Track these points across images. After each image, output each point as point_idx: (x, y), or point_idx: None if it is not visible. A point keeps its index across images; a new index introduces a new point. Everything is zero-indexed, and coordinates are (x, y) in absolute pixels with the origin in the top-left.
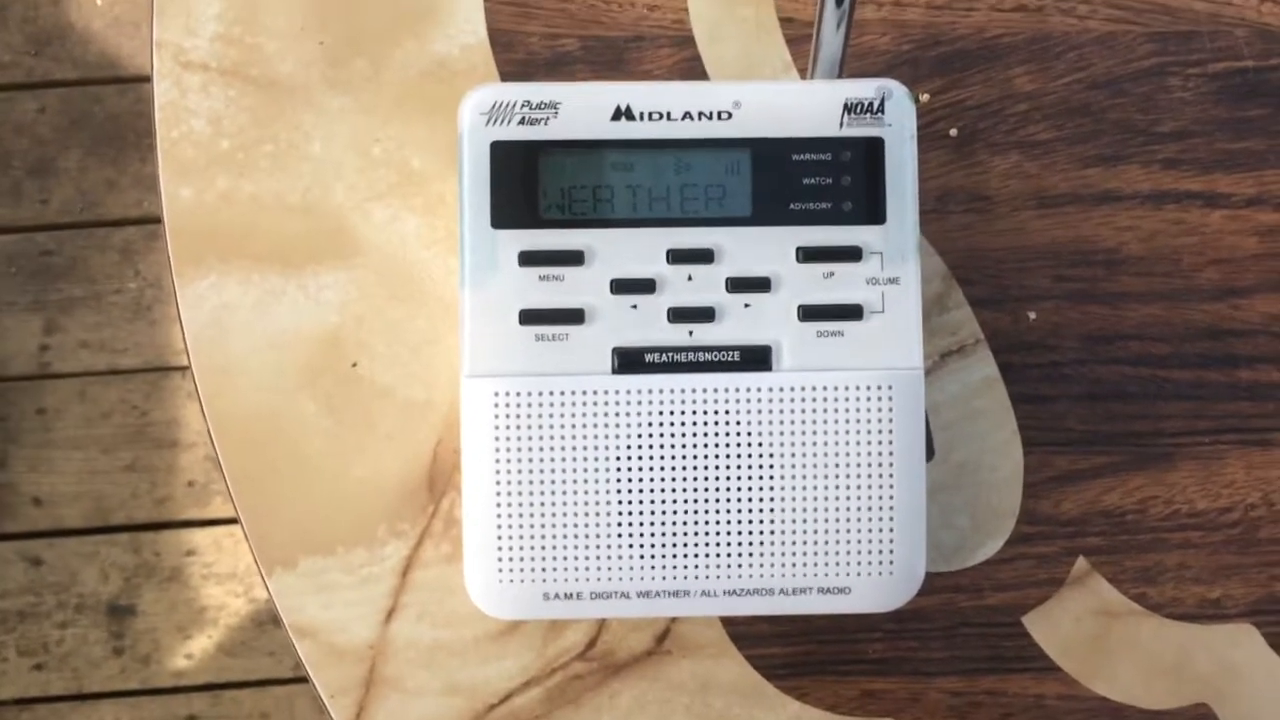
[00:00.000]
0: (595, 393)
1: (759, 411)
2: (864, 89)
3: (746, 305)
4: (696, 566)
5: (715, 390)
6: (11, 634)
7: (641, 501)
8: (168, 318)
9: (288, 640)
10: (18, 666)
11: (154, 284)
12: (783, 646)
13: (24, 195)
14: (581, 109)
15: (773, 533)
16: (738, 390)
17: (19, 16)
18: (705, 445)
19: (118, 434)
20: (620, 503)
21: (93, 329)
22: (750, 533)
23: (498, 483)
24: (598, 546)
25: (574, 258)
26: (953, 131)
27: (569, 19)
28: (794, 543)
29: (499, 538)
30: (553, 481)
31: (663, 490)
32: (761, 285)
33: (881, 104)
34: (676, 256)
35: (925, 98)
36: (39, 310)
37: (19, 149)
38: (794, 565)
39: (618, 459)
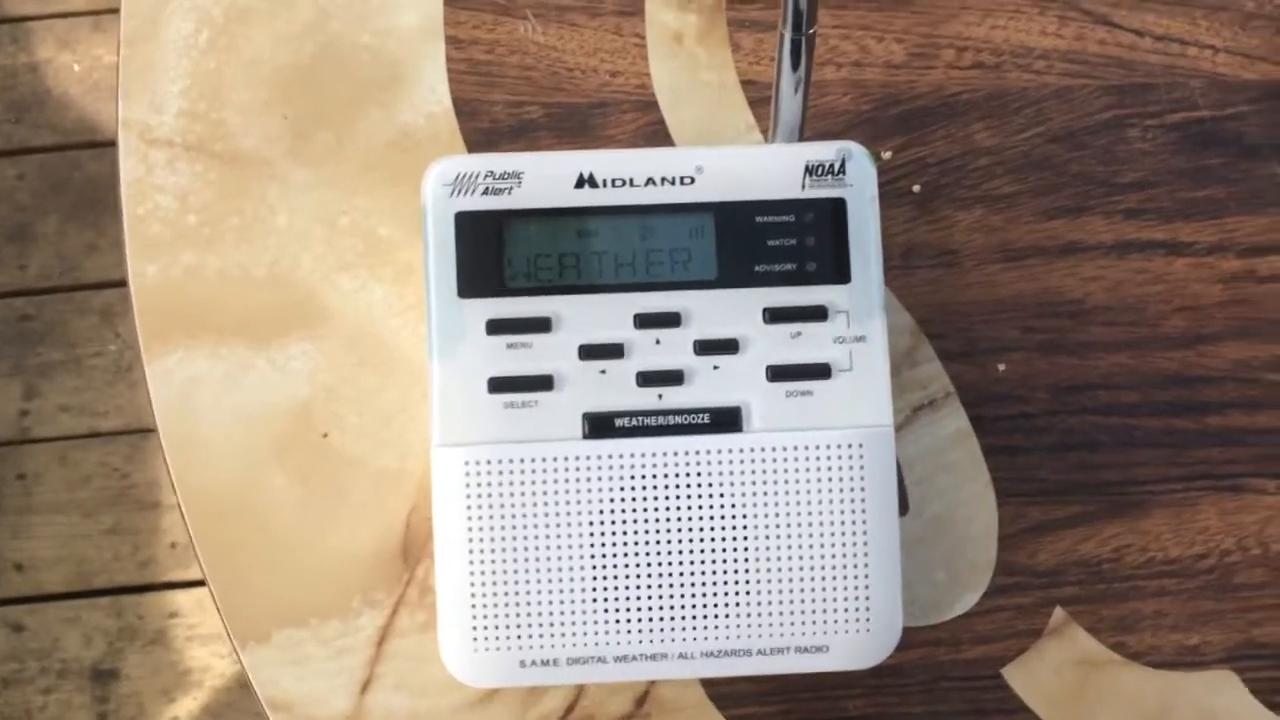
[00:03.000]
0: (566, 459)
1: (730, 473)
2: (824, 151)
3: (715, 367)
4: (673, 629)
5: (686, 453)
6: None
7: (616, 566)
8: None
9: None
10: None
11: (134, 346)
12: (763, 706)
13: (2, 261)
14: (544, 178)
15: (749, 593)
16: (709, 452)
17: None
18: (678, 508)
19: (99, 497)
20: (594, 568)
21: (72, 393)
22: (726, 594)
23: (470, 551)
24: (573, 612)
25: (541, 325)
26: (916, 188)
27: (533, 86)
28: (770, 602)
29: (473, 606)
30: (526, 548)
31: (637, 554)
32: (729, 347)
33: (842, 165)
34: (644, 321)
35: (887, 155)
36: (18, 375)
37: None
38: (771, 625)
39: (590, 524)
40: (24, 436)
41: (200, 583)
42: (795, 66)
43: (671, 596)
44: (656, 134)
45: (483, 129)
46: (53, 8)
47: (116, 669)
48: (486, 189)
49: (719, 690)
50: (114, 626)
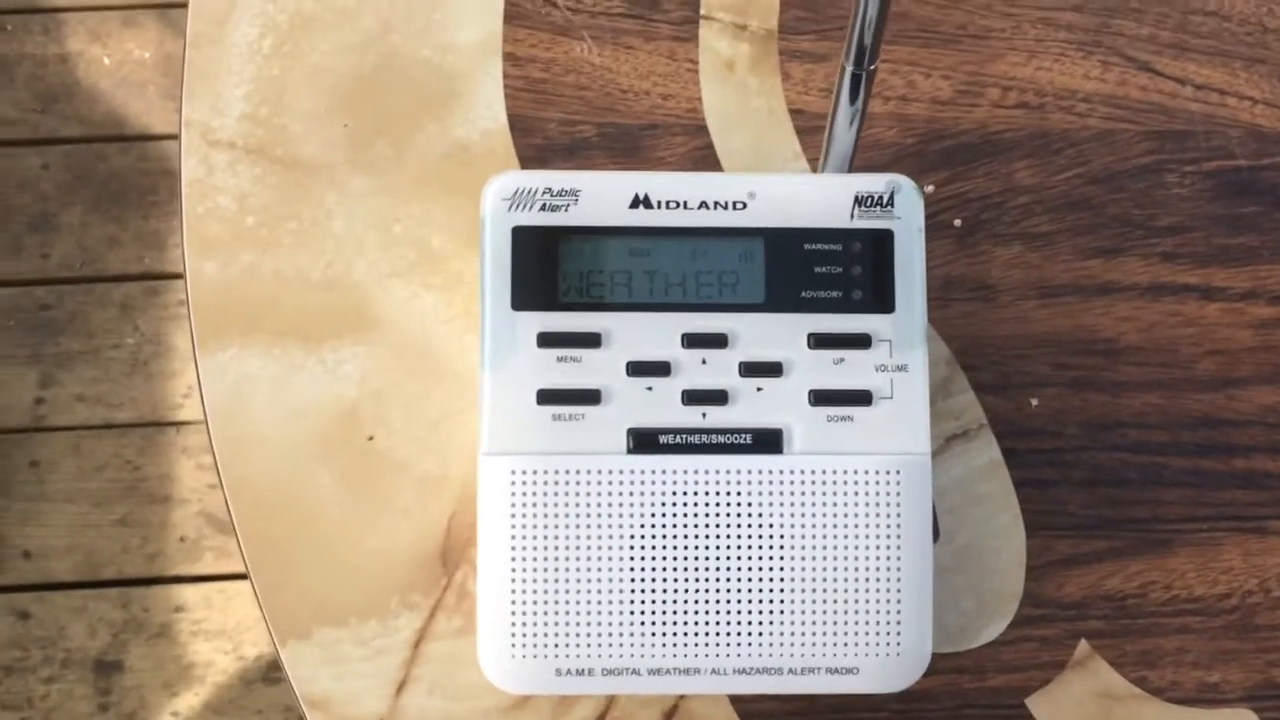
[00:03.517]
0: (610, 472)
1: (770, 493)
2: (874, 183)
3: (759, 389)
4: (707, 644)
5: (727, 472)
6: None
7: (654, 579)
8: (164, 373)
9: (276, 699)
10: None
11: (152, 340)
12: None
13: (25, 249)
14: (601, 196)
15: (782, 612)
16: (749, 472)
17: (27, 74)
18: (717, 525)
19: (110, 488)
20: (633, 580)
21: (89, 383)
22: (760, 612)
23: (513, 559)
24: (610, 623)
25: (591, 340)
26: (957, 222)
27: (587, 106)
28: (803, 622)
29: (513, 613)
30: (567, 558)
31: (675, 569)
32: (774, 370)
33: (891, 197)
34: (691, 341)
35: (930, 189)
36: (36, 363)
37: (21, 204)
38: (803, 645)
39: (631, 537)
40: (39, 424)
41: (208, 577)
42: (853, 100)
43: (707, 612)
44: (705, 158)
45: (536, 145)
46: (85, 0)
47: (120, 661)
48: (544, 205)
49: (747, 708)
50: (120, 618)
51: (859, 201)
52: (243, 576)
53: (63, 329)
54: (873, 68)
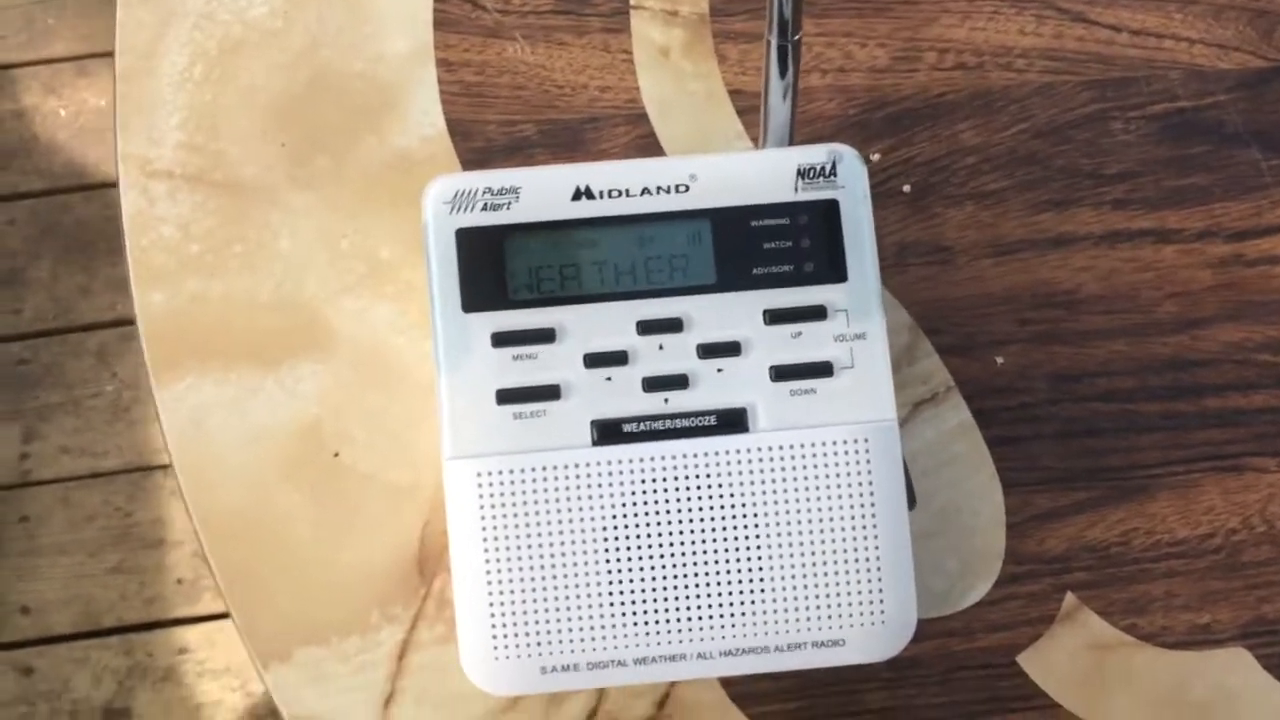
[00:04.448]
0: (577, 466)
1: (739, 473)
2: (815, 154)
3: (719, 370)
4: (690, 629)
5: (695, 455)
6: None
7: (631, 569)
8: (147, 418)
9: None
10: None
11: (131, 385)
12: (783, 703)
13: None
14: (542, 191)
15: (763, 590)
16: (717, 454)
17: None
18: (689, 509)
19: (103, 536)
20: (610, 572)
21: (72, 434)
22: (741, 592)
23: (487, 561)
24: (591, 616)
25: (546, 335)
26: (906, 187)
27: (525, 105)
28: (785, 599)
29: (492, 615)
30: (541, 556)
31: (651, 556)
32: (732, 349)
33: (833, 167)
34: (646, 327)
35: (876, 157)
36: (17, 419)
37: None
38: (787, 621)
39: (604, 529)
40: (25, 479)
41: (208, 617)
42: (783, 73)
43: (687, 597)
44: (648, 146)
45: (478, 149)
46: (37, 54)
47: (128, 708)
48: (485, 205)
49: (739, 690)
50: (124, 665)
51: (801, 174)
52: None
53: (40, 382)
54: (797, 38)
